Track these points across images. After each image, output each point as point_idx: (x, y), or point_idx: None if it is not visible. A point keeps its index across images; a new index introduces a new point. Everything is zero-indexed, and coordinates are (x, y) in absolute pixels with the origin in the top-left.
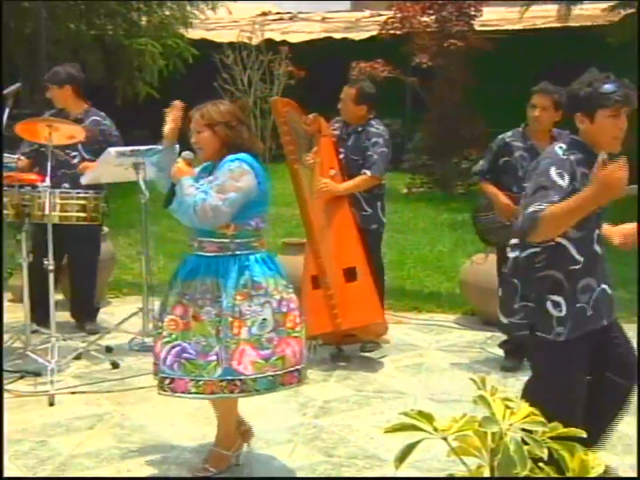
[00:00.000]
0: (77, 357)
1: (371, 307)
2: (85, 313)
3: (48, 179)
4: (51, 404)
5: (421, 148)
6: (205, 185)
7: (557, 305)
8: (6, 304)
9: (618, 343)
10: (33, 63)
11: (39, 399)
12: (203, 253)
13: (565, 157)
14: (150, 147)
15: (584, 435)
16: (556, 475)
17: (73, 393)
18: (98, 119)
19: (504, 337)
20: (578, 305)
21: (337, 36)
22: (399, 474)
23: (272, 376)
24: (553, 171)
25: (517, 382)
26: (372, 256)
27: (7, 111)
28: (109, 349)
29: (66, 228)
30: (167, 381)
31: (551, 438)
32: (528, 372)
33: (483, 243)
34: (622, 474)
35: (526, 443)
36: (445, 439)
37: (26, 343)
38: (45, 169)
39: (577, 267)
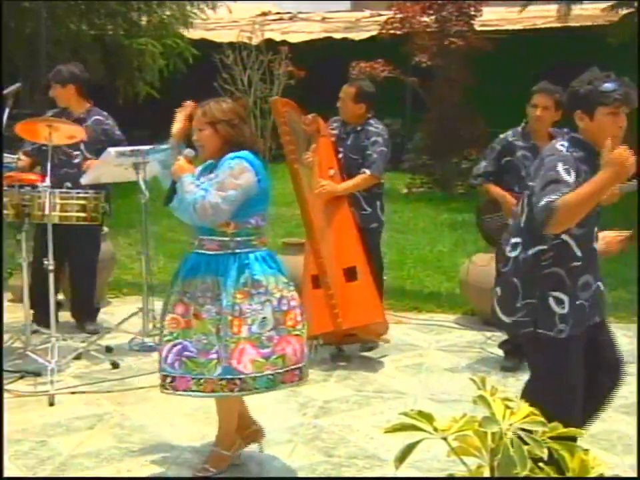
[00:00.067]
0: (77, 357)
1: (371, 306)
2: (85, 313)
3: (48, 179)
4: (51, 404)
5: (421, 148)
6: (206, 183)
7: (559, 301)
8: (6, 304)
9: (606, 342)
10: (33, 62)
11: (39, 399)
12: (203, 251)
13: (568, 153)
14: (157, 145)
15: (584, 434)
16: (556, 475)
17: (73, 392)
18: (100, 118)
19: (504, 337)
20: (578, 302)
21: (337, 36)
22: (399, 474)
23: (272, 374)
24: (561, 167)
25: (517, 382)
26: (372, 255)
27: (7, 110)
28: (109, 349)
29: (66, 228)
30: (169, 380)
31: (550, 438)
32: (528, 372)
33: (489, 244)
34: (622, 474)
35: (526, 443)
36: (444, 438)
37: (26, 343)
38: (47, 167)
39: (578, 263)
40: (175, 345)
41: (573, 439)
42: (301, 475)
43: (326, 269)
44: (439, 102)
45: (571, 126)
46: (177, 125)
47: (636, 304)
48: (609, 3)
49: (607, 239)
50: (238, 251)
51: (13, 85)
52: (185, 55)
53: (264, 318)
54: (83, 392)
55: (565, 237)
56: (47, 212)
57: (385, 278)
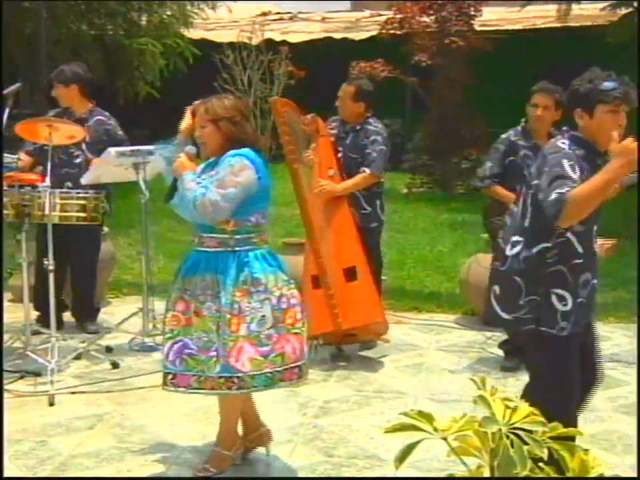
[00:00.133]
0: (77, 357)
1: (371, 306)
2: (85, 313)
3: (48, 179)
4: (51, 404)
5: (420, 148)
6: (206, 180)
7: (562, 298)
8: (6, 304)
9: (590, 343)
10: (33, 62)
11: (39, 399)
12: (203, 249)
13: (570, 151)
14: (163, 142)
15: (583, 434)
16: (556, 475)
17: (73, 392)
18: (102, 118)
19: (504, 337)
20: (579, 300)
21: (337, 36)
22: (399, 474)
23: (270, 373)
24: (566, 163)
25: (517, 382)
26: (371, 254)
27: (7, 110)
28: (109, 349)
29: (66, 228)
30: (170, 376)
31: (551, 438)
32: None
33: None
34: (622, 474)
35: (526, 443)
36: (444, 438)
37: (26, 343)
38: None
39: (580, 261)
40: (175, 343)
41: (572, 438)
42: (301, 474)
43: (326, 269)
44: (439, 102)
45: (570, 125)
46: (185, 122)
47: (636, 304)
48: (607, 3)
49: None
50: (238, 248)
51: (13, 85)
52: (186, 54)
53: (263, 316)
54: (83, 392)
55: (568, 234)
56: (47, 212)
57: (384, 278)
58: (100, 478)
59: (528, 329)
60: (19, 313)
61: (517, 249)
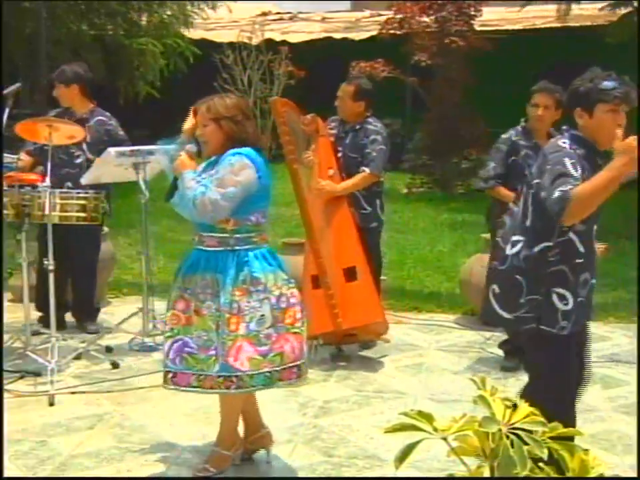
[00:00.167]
0: (77, 357)
1: (371, 306)
2: (85, 313)
3: (48, 179)
4: (51, 404)
5: (420, 148)
6: (207, 179)
7: (563, 298)
8: (6, 304)
9: (583, 343)
10: (33, 62)
11: (39, 399)
12: (203, 248)
13: (571, 150)
14: (168, 140)
15: (583, 434)
16: (556, 475)
17: (73, 392)
18: (103, 118)
19: (504, 337)
20: (579, 299)
21: (337, 36)
22: (399, 474)
23: (269, 372)
24: (568, 162)
25: (517, 382)
26: (371, 254)
27: (7, 110)
28: (109, 349)
29: (66, 228)
30: (170, 375)
31: (551, 438)
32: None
33: None
34: (622, 474)
35: (526, 443)
36: (444, 439)
37: (26, 343)
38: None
39: (581, 260)
40: (175, 341)
41: (572, 438)
42: (301, 474)
43: (326, 269)
44: (439, 102)
45: (570, 125)
46: (189, 122)
47: (636, 304)
48: (608, 3)
49: None
50: (237, 248)
51: (13, 85)
52: (186, 54)
53: (262, 315)
54: (83, 392)
55: (570, 233)
56: (47, 212)
57: (384, 278)
58: (100, 478)
59: (528, 328)
60: (19, 313)
61: (517, 248)
